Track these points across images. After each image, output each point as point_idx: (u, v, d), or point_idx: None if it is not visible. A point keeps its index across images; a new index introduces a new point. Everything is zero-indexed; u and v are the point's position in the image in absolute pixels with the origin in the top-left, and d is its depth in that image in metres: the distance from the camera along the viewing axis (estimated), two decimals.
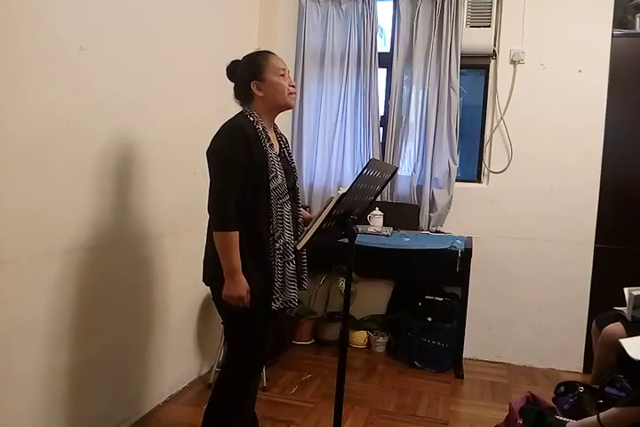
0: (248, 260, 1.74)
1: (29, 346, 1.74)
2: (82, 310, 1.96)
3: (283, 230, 1.78)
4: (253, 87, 1.83)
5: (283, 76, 1.86)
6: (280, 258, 1.77)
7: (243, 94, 1.88)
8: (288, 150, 1.97)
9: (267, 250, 1.76)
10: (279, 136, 1.97)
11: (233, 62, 1.92)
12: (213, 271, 1.77)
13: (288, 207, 1.81)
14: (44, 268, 1.78)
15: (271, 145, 1.81)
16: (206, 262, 1.86)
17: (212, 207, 1.74)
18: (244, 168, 1.72)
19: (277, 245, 1.76)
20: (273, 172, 1.76)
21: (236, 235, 1.70)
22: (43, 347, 1.80)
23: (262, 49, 1.95)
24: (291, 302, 1.82)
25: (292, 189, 1.89)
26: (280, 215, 1.77)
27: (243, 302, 1.72)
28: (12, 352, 1.68)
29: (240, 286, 1.71)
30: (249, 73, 1.85)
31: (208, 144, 1.79)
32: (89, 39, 1.88)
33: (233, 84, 1.90)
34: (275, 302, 1.76)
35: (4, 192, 1.61)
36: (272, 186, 1.75)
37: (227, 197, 1.71)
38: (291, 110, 1.96)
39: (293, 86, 1.89)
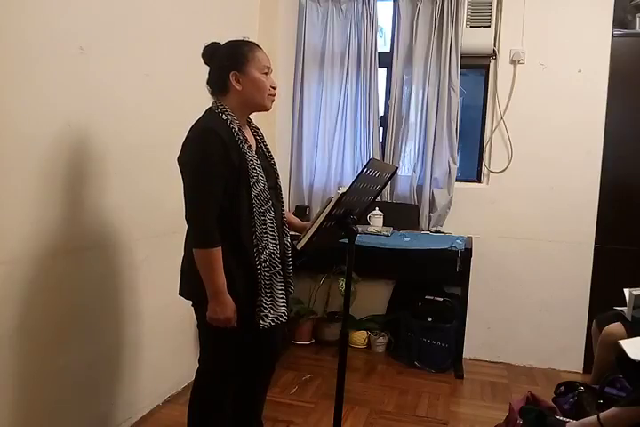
0: (237, 275, 1.64)
1: (29, 346, 1.74)
2: (82, 311, 1.96)
3: (267, 240, 1.68)
4: (232, 78, 1.67)
5: (266, 74, 1.71)
6: (267, 271, 1.67)
7: (217, 83, 1.72)
8: (265, 145, 1.83)
9: (252, 263, 1.65)
10: (254, 130, 1.83)
11: (212, 45, 1.73)
12: (195, 286, 1.64)
13: (271, 214, 1.71)
14: (45, 268, 1.78)
15: (249, 146, 1.68)
16: (186, 276, 1.73)
17: (190, 222, 1.62)
18: (223, 178, 1.60)
19: (263, 256, 1.66)
20: (254, 177, 1.64)
21: (218, 251, 1.58)
22: (43, 347, 1.80)
23: (250, 39, 1.78)
24: (281, 317, 1.70)
25: (274, 189, 1.78)
26: (263, 224, 1.67)
27: (230, 323, 1.62)
28: (12, 352, 1.68)
29: (227, 308, 1.60)
30: (230, 61, 1.68)
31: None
32: (89, 39, 1.88)
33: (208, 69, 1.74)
34: (264, 320, 1.65)
35: (5, 192, 1.61)
36: (254, 193, 1.64)
37: (206, 212, 1.58)
38: (268, 111, 1.84)
39: (274, 88, 1.74)
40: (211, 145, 1.59)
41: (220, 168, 1.59)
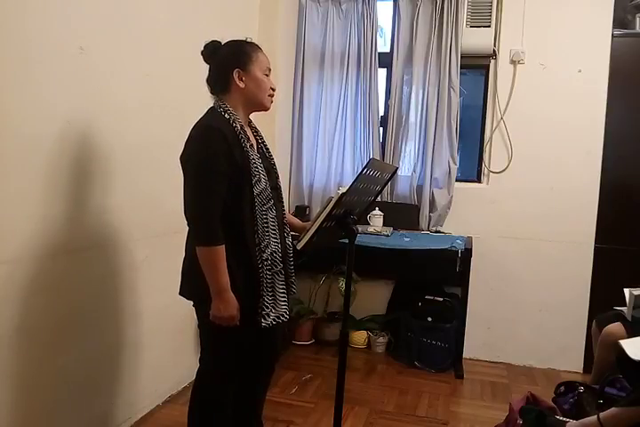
0: (238, 274, 1.63)
1: (29, 346, 1.74)
2: (82, 311, 1.96)
3: (269, 239, 1.67)
4: (235, 75, 1.69)
5: (267, 75, 1.74)
6: (268, 269, 1.67)
7: (219, 81, 1.72)
8: (265, 145, 1.84)
9: (254, 262, 1.65)
10: (254, 131, 1.83)
11: (213, 42, 1.74)
12: (196, 286, 1.64)
13: (273, 213, 1.71)
14: (46, 268, 1.77)
15: (251, 145, 1.70)
16: (188, 276, 1.72)
17: (193, 221, 1.61)
18: (226, 176, 1.59)
19: (265, 255, 1.66)
20: (256, 176, 1.64)
21: (222, 249, 1.58)
22: (42, 347, 1.80)
23: (254, 41, 1.80)
24: (282, 317, 1.70)
25: (275, 189, 1.78)
26: (265, 223, 1.67)
27: (233, 321, 1.62)
28: (12, 352, 1.68)
29: (231, 306, 1.60)
30: (234, 59, 1.70)
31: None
32: (89, 39, 1.88)
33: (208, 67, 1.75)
34: (265, 319, 1.65)
35: (6, 192, 1.61)
36: (256, 191, 1.63)
37: (209, 210, 1.57)
38: (268, 111, 1.85)
39: (274, 90, 1.77)
40: (214, 143, 1.59)
41: (223, 166, 1.59)
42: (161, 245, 2.39)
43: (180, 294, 1.76)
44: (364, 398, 2.71)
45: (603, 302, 2.79)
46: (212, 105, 1.73)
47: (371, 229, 3.22)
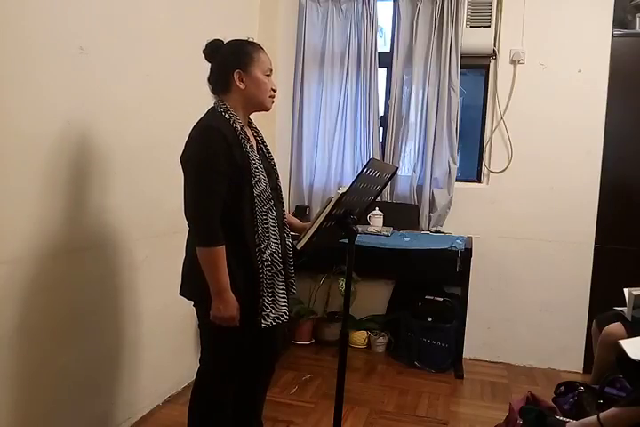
0: (238, 274, 1.64)
1: (29, 346, 1.74)
2: (82, 311, 1.96)
3: (269, 240, 1.68)
4: (235, 76, 1.68)
5: (268, 76, 1.74)
6: (268, 270, 1.67)
7: (220, 81, 1.72)
8: (265, 146, 1.84)
9: (254, 263, 1.65)
10: (254, 131, 1.83)
11: (215, 41, 1.74)
12: (197, 286, 1.64)
13: (273, 213, 1.71)
14: (46, 268, 1.77)
15: (251, 146, 1.69)
16: (188, 276, 1.72)
17: (193, 221, 1.61)
18: (226, 176, 1.60)
19: (265, 256, 1.66)
20: (256, 176, 1.64)
21: (222, 250, 1.58)
22: (43, 347, 1.80)
23: (255, 41, 1.79)
24: (282, 317, 1.70)
25: (275, 190, 1.78)
26: (265, 223, 1.67)
27: (233, 321, 1.63)
28: (12, 352, 1.68)
29: (231, 306, 1.61)
30: (235, 59, 1.69)
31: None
32: (89, 39, 1.88)
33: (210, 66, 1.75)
34: (265, 319, 1.65)
35: (6, 192, 1.61)
36: (256, 192, 1.64)
37: (209, 210, 1.57)
38: (268, 112, 1.84)
39: (275, 90, 1.76)
40: (214, 143, 1.59)
41: (223, 166, 1.59)
42: (161, 245, 2.39)
43: (181, 294, 1.76)
44: (364, 398, 2.71)
45: (603, 302, 2.79)
46: (212, 105, 1.73)
47: (371, 229, 3.22)
